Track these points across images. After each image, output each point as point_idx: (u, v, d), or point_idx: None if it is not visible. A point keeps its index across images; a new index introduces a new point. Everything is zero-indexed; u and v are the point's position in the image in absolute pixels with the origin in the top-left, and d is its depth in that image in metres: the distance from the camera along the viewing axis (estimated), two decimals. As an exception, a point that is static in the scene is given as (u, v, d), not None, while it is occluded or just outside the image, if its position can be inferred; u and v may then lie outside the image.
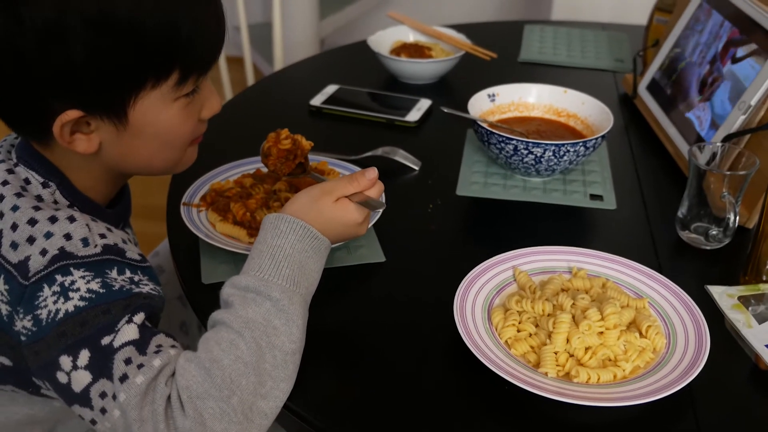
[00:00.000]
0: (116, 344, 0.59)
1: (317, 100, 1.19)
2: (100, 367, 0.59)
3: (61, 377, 0.59)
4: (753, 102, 0.90)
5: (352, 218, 0.70)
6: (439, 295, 0.75)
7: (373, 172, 0.71)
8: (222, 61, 1.80)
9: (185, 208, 0.85)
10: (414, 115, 1.14)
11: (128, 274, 0.64)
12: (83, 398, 0.59)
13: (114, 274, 0.63)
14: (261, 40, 2.69)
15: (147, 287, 0.64)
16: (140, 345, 0.60)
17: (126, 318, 0.60)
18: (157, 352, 0.60)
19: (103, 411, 0.59)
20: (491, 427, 0.63)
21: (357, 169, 0.94)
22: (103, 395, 0.59)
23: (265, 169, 0.92)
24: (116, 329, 0.60)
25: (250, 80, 1.83)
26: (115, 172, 0.72)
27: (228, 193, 0.87)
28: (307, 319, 0.66)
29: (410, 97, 1.20)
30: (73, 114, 0.63)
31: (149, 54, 0.63)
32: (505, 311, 0.71)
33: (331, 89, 1.22)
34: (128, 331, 0.60)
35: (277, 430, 0.88)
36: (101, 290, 0.61)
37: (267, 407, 0.60)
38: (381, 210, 0.73)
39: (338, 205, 0.69)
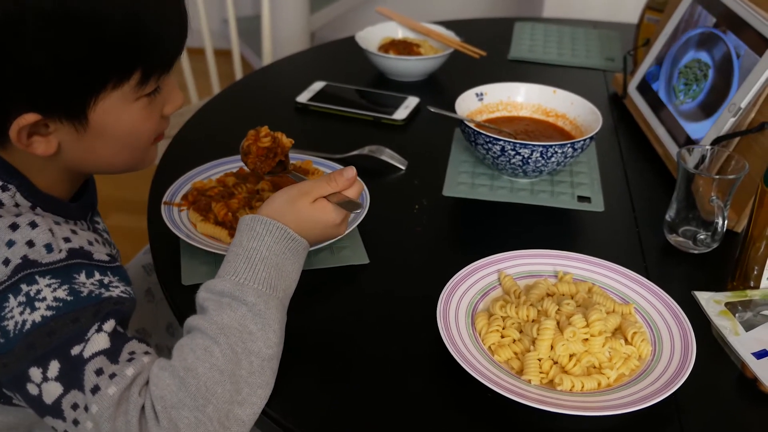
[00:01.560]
0: (86, 354, 0.57)
1: (303, 97, 1.17)
2: (71, 378, 0.57)
3: (32, 389, 0.58)
4: (743, 104, 0.89)
5: (330, 219, 0.69)
6: (423, 299, 0.73)
7: (351, 172, 0.70)
8: (210, 54, 1.78)
9: (166, 208, 0.83)
10: (401, 114, 1.13)
11: (97, 276, 0.62)
12: (55, 410, 0.58)
13: (82, 278, 0.61)
14: (251, 33, 2.67)
15: (117, 290, 0.62)
16: (112, 354, 0.58)
17: (95, 326, 0.58)
18: (130, 360, 0.58)
19: (76, 422, 0.57)
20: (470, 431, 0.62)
21: (340, 167, 0.92)
22: (75, 407, 0.57)
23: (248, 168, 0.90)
24: (86, 338, 0.58)
25: (239, 74, 1.81)
26: (75, 172, 0.69)
27: (210, 192, 0.85)
28: (286, 321, 0.64)
29: (398, 95, 1.18)
30: (30, 118, 0.61)
31: (111, 53, 0.61)
32: (489, 316, 0.70)
33: (317, 86, 1.21)
34: (98, 341, 0.58)
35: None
36: (68, 298, 0.59)
37: (244, 414, 0.58)
38: (361, 211, 0.71)
39: (316, 206, 0.68)
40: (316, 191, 0.68)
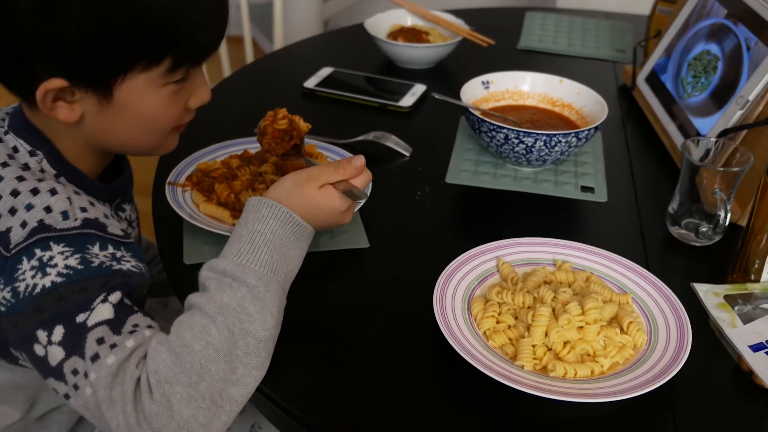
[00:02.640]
0: (90, 323, 0.59)
1: (311, 83, 1.17)
2: (73, 344, 0.58)
3: (39, 350, 0.59)
4: (751, 97, 0.88)
5: (336, 206, 0.69)
6: (422, 284, 0.74)
7: (359, 160, 0.70)
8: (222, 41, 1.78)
9: (170, 188, 0.83)
10: (408, 101, 1.13)
11: (111, 249, 0.63)
12: (58, 373, 0.59)
13: (96, 249, 0.62)
14: (265, 19, 2.67)
15: (128, 264, 0.63)
16: (115, 324, 0.59)
17: (102, 297, 0.60)
18: (132, 332, 0.59)
19: (76, 387, 0.58)
20: (465, 417, 0.62)
21: (347, 153, 0.93)
22: (75, 372, 0.58)
23: (253, 150, 0.91)
24: (91, 307, 0.59)
25: (250, 60, 1.81)
26: (97, 146, 0.70)
27: (214, 174, 0.86)
28: (285, 304, 0.65)
29: (405, 82, 1.18)
30: (57, 83, 0.62)
31: (144, 37, 0.62)
32: (486, 302, 0.70)
33: (325, 72, 1.21)
34: (103, 311, 0.59)
35: (254, 414, 0.88)
36: (79, 266, 0.60)
37: (237, 393, 0.59)
38: (364, 200, 0.72)
39: (322, 192, 0.68)
40: (324, 177, 0.69)
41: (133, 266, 0.64)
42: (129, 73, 0.63)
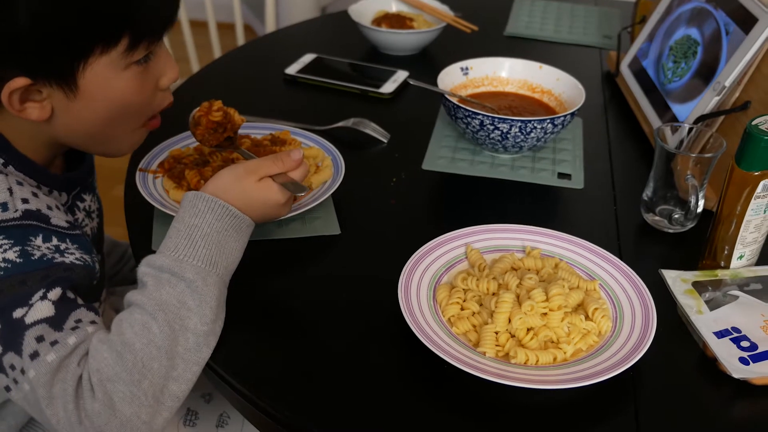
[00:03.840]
0: (28, 321, 0.58)
1: (292, 69, 1.17)
2: (10, 340, 0.58)
3: None
4: (728, 83, 0.87)
5: (275, 198, 0.69)
6: (391, 271, 0.73)
7: (297, 154, 0.70)
8: (212, 27, 1.78)
9: (141, 174, 0.83)
10: (389, 87, 1.12)
11: (54, 241, 0.62)
12: None
13: (38, 241, 0.61)
14: (261, 5, 2.66)
15: (72, 256, 0.63)
16: (55, 321, 0.59)
17: (41, 293, 0.59)
18: (74, 329, 0.59)
19: (15, 381, 0.59)
20: (425, 404, 0.62)
21: (321, 140, 0.92)
22: (12, 367, 0.58)
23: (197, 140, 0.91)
24: (30, 303, 0.58)
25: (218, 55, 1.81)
26: (63, 143, 0.69)
27: (186, 161, 0.86)
28: (226, 296, 0.65)
29: (387, 69, 1.18)
30: (20, 82, 0.61)
31: (95, 18, 0.61)
32: (451, 289, 0.70)
33: (307, 58, 1.20)
34: (42, 308, 0.59)
35: (223, 403, 0.88)
36: (18, 260, 0.59)
37: (178, 389, 0.60)
38: (303, 194, 0.72)
39: (261, 185, 0.68)
40: (263, 170, 0.69)
41: (77, 259, 0.63)
42: (89, 59, 0.62)
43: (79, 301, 0.62)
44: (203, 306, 0.61)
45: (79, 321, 0.60)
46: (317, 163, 0.88)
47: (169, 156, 0.87)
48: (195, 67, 1.80)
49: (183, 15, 1.73)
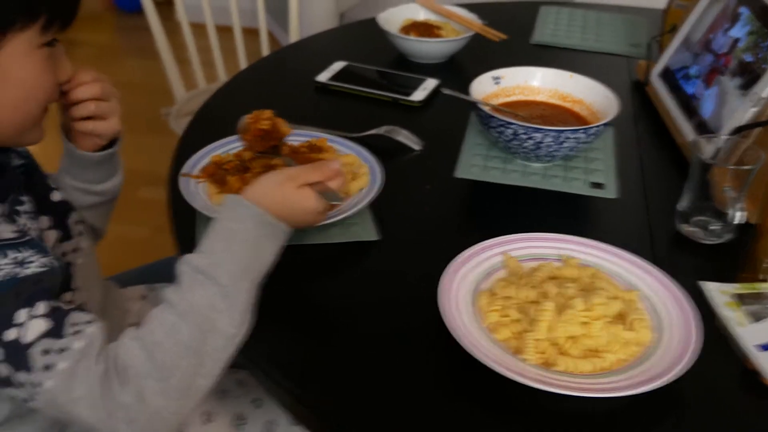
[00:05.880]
0: (27, 340, 0.59)
1: (323, 77, 1.18)
2: (15, 361, 0.59)
3: None
4: (765, 94, 0.87)
5: (312, 206, 0.71)
6: (429, 277, 0.74)
7: (337, 164, 0.72)
8: (237, 32, 1.79)
9: (184, 179, 0.85)
10: (419, 95, 1.13)
11: (11, 255, 0.62)
12: (11, 383, 0.60)
13: None
14: (281, 11, 2.68)
15: (33, 265, 0.62)
16: (55, 331, 0.60)
17: (26, 312, 0.60)
18: (75, 333, 0.61)
19: (31, 396, 0.60)
20: (464, 408, 0.63)
21: (357, 147, 0.93)
22: (22, 385, 0.60)
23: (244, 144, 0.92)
24: (14, 323, 0.59)
25: (265, 52, 1.83)
26: None
27: (227, 166, 0.87)
28: (256, 298, 0.66)
29: (417, 77, 1.18)
30: None
31: None
32: (491, 296, 0.71)
33: (338, 66, 1.21)
34: (35, 326, 0.60)
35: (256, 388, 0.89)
36: None
37: (205, 384, 0.63)
38: (339, 203, 0.74)
39: (300, 192, 0.70)
40: (303, 178, 0.70)
41: (39, 266, 0.63)
42: (9, 33, 0.63)
43: (65, 306, 0.63)
44: (232, 310, 0.63)
45: (75, 324, 0.61)
46: (354, 170, 0.89)
47: (211, 161, 0.88)
48: (221, 71, 1.82)
49: (209, 19, 1.76)
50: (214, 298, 0.63)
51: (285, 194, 0.69)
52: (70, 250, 0.81)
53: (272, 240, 0.68)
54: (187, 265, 0.65)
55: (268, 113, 0.80)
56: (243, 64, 1.82)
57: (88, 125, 0.79)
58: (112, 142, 0.85)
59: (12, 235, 0.63)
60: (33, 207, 0.75)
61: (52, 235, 0.79)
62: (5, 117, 0.67)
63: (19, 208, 0.72)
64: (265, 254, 0.67)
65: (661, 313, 0.70)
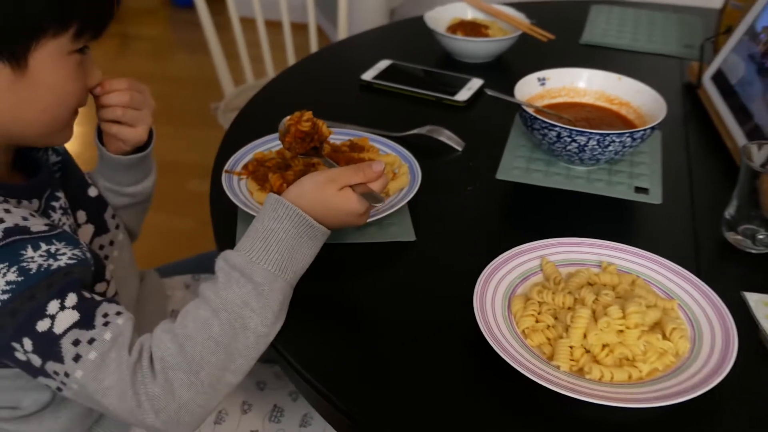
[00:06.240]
0: (58, 331, 0.61)
1: (368, 75, 1.19)
2: (47, 352, 0.61)
3: (20, 356, 0.62)
4: (820, 100, 0.84)
5: (354, 208, 0.71)
6: (465, 280, 0.74)
7: (379, 166, 0.72)
8: (286, 28, 1.82)
9: (227, 176, 0.87)
10: (464, 95, 1.13)
11: (44, 247, 0.63)
12: (43, 372, 0.63)
13: (30, 252, 0.62)
14: (331, 7, 2.70)
15: (65, 257, 0.64)
16: (84, 323, 0.62)
17: (57, 303, 0.61)
18: (105, 324, 0.62)
19: (63, 383, 0.62)
20: (494, 412, 0.63)
21: (398, 147, 0.94)
22: (56, 373, 0.62)
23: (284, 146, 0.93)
24: (47, 313, 0.61)
25: (314, 48, 1.85)
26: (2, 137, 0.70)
27: (269, 164, 0.89)
28: (290, 298, 0.68)
29: (462, 76, 1.18)
30: None
31: (53, 2, 0.64)
32: (526, 300, 0.71)
33: (383, 64, 1.22)
34: (66, 317, 0.61)
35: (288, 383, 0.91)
36: (19, 279, 0.61)
37: (234, 380, 0.64)
38: (380, 205, 0.74)
39: (341, 194, 0.71)
40: (344, 179, 0.71)
41: (70, 258, 0.64)
42: (41, 40, 0.65)
43: (96, 297, 0.65)
44: (266, 309, 0.65)
45: (106, 315, 0.63)
46: (394, 169, 0.90)
47: (253, 158, 0.90)
48: (269, 66, 1.85)
49: (258, 14, 1.78)
50: (248, 296, 0.65)
51: (326, 196, 0.70)
52: (106, 243, 0.84)
53: (310, 241, 0.69)
54: (224, 261, 0.67)
55: (308, 114, 0.81)
56: (291, 59, 1.84)
57: (112, 128, 0.82)
58: (143, 147, 0.87)
59: (44, 228, 0.65)
60: (67, 203, 0.78)
61: (88, 229, 0.82)
62: (35, 119, 0.69)
63: (54, 203, 0.75)
64: (302, 255, 0.68)
65: (700, 324, 0.69)
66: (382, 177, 0.72)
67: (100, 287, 0.75)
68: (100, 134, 0.86)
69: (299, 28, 2.04)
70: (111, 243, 0.86)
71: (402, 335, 0.71)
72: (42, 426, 0.78)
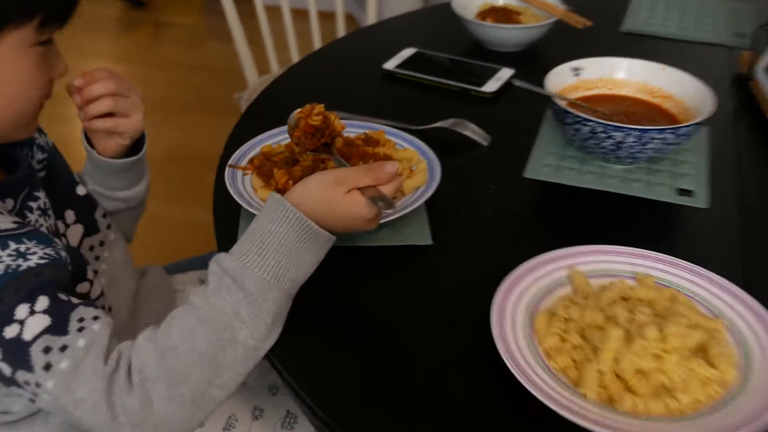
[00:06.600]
0: (27, 338, 0.57)
1: (391, 64, 1.12)
2: (15, 360, 0.57)
3: None
4: None
5: (361, 213, 0.64)
6: (484, 288, 0.67)
7: (392, 167, 0.65)
8: (313, 14, 1.76)
9: (230, 170, 0.81)
10: (492, 86, 1.05)
11: (13, 246, 0.59)
12: (14, 382, 0.58)
13: None
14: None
15: (35, 257, 0.59)
16: (57, 328, 0.57)
17: (26, 308, 0.57)
18: (80, 330, 0.58)
19: (35, 394, 0.58)
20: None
21: (417, 141, 0.87)
22: (27, 383, 0.58)
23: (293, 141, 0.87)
24: (15, 318, 0.57)
25: (342, 35, 1.78)
26: None
27: (275, 158, 0.82)
28: (288, 309, 0.62)
29: (491, 66, 1.11)
30: None
31: None
32: (551, 316, 0.63)
33: (407, 53, 1.15)
34: (36, 323, 0.57)
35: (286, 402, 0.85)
36: None
37: (220, 395, 0.59)
38: (390, 212, 0.66)
39: (348, 198, 0.64)
40: (352, 181, 0.64)
41: (41, 258, 0.60)
42: (2, 31, 0.61)
43: (74, 300, 0.60)
44: (257, 321, 0.59)
45: (81, 320, 0.59)
46: (411, 166, 0.83)
47: (260, 152, 0.84)
48: (295, 55, 1.79)
49: (284, 2, 1.73)
50: (238, 305, 0.59)
51: (331, 199, 0.64)
52: (97, 244, 0.80)
53: (312, 248, 0.63)
54: (217, 264, 0.61)
55: (319, 108, 0.74)
56: (319, 46, 1.78)
57: (107, 123, 0.76)
58: (135, 149, 0.81)
59: (11, 226, 0.61)
60: (49, 203, 0.73)
61: (77, 230, 0.78)
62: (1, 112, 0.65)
63: (31, 203, 0.70)
64: (302, 262, 0.62)
65: (750, 348, 0.61)
66: (394, 179, 0.65)
67: (81, 287, 0.70)
68: (88, 136, 0.81)
69: (327, 17, 1.98)
70: (101, 243, 0.81)
71: (411, 350, 0.64)
72: (33, 431, 0.74)
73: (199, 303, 0.59)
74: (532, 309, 0.65)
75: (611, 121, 0.82)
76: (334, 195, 0.64)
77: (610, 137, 0.81)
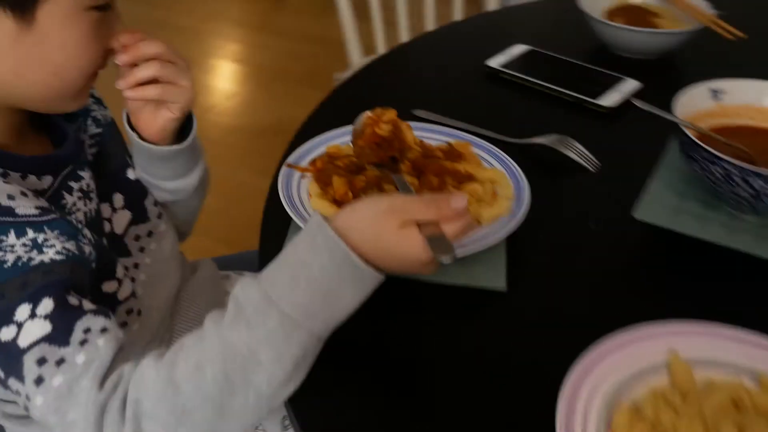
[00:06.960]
0: (23, 344, 0.51)
1: (496, 61, 0.99)
2: (7, 365, 0.52)
3: None
4: None
5: (415, 254, 0.52)
6: (556, 359, 0.54)
7: (461, 202, 0.52)
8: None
9: (287, 170, 0.72)
10: (610, 99, 0.90)
11: (30, 234, 0.54)
12: (7, 386, 0.54)
13: (11, 239, 0.53)
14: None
15: (52, 250, 0.54)
16: (57, 337, 0.51)
17: (28, 309, 0.51)
18: (83, 343, 0.51)
19: (26, 407, 0.53)
20: None
21: (508, 160, 0.74)
22: (17, 393, 0.53)
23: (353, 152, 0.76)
24: (14, 320, 0.51)
25: (458, 17, 1.65)
26: (5, 102, 0.60)
27: (340, 162, 0.72)
28: (317, 354, 0.52)
29: (614, 75, 0.95)
30: None
31: None
32: (635, 414, 0.50)
33: (517, 50, 1.02)
34: (34, 328, 0.51)
35: None
36: None
37: None
38: (448, 261, 0.52)
39: (402, 234, 0.52)
40: (410, 213, 0.52)
41: (58, 252, 0.54)
42: None
43: (85, 305, 0.54)
44: (276, 365, 0.50)
45: (87, 331, 0.52)
46: (495, 189, 0.71)
47: (325, 153, 0.75)
48: (404, 36, 1.68)
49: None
50: (257, 344, 0.50)
51: (382, 231, 0.52)
52: (144, 234, 0.73)
53: (352, 286, 0.52)
54: (241, 290, 0.52)
55: (390, 114, 0.63)
56: (404, 37, 1.66)
57: (154, 90, 0.66)
58: (183, 136, 0.72)
59: (33, 212, 0.55)
60: (94, 185, 0.66)
61: (124, 215, 0.71)
62: (42, 80, 0.59)
63: (72, 183, 0.64)
64: (340, 302, 0.52)
65: None
66: (461, 218, 0.53)
67: (108, 287, 0.64)
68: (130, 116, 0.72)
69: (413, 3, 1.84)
70: (150, 234, 0.74)
71: (451, 418, 0.53)
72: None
73: (213, 334, 0.51)
74: (612, 399, 0.52)
75: (752, 163, 0.66)
76: (386, 226, 0.52)
77: (748, 184, 0.65)
